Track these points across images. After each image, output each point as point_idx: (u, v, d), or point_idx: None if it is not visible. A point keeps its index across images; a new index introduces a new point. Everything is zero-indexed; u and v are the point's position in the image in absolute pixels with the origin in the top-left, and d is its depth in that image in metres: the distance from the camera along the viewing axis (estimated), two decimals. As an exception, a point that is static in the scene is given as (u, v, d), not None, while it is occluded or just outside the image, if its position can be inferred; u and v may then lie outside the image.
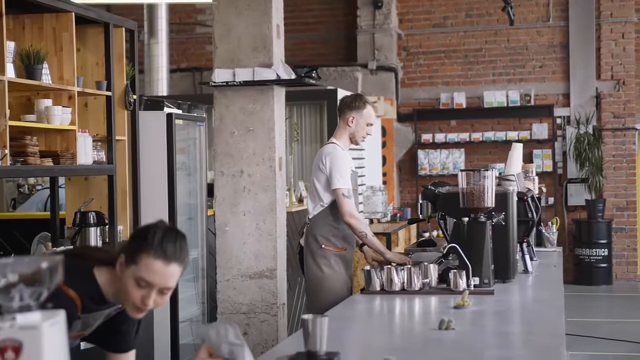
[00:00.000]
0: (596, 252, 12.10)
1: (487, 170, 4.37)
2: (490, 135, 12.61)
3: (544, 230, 6.33)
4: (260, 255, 5.57)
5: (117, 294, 2.62)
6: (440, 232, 11.89)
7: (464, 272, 4.17)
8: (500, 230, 4.46)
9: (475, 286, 4.20)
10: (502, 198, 4.49)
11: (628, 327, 9.37)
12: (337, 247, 5.16)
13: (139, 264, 2.51)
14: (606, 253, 12.12)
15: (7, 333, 1.70)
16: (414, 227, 11.02)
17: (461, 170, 4.42)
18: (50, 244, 5.38)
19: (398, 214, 11.00)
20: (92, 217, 5.34)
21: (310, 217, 5.22)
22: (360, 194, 9.72)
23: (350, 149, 9.15)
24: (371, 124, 5.28)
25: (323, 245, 5.13)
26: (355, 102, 5.24)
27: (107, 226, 5.49)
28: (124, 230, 5.75)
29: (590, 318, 9.92)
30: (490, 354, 2.92)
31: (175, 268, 2.53)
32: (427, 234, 12.11)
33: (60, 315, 1.79)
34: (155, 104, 6.29)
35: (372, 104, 5.32)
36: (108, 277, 2.63)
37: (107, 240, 5.52)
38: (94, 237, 5.34)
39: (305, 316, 2.71)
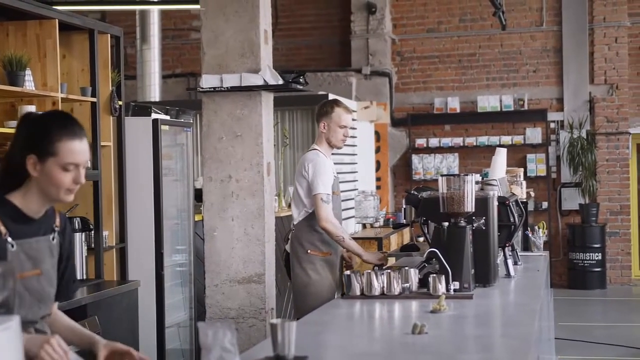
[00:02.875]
0: (590, 256, 12.10)
1: (467, 175, 4.38)
2: (484, 139, 12.63)
3: (530, 235, 6.34)
4: (248, 260, 5.58)
5: (40, 200, 2.70)
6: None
7: (444, 276, 4.18)
8: (480, 235, 4.47)
9: (455, 291, 4.21)
10: (482, 203, 4.49)
11: (621, 332, 9.37)
12: (322, 252, 5.23)
13: (58, 154, 2.64)
14: (600, 257, 12.13)
15: (-43, 338, 1.72)
16: (407, 231, 11.03)
17: (441, 175, 4.43)
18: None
19: (391, 219, 11.01)
20: (77, 223, 5.35)
21: (295, 222, 5.31)
22: (351, 199, 9.76)
23: (341, 154, 9.15)
24: (344, 126, 5.35)
25: (309, 251, 5.23)
26: (324, 107, 5.38)
27: (92, 232, 5.50)
28: (109, 236, 5.76)
29: (584, 322, 9.93)
30: (459, 357, 2.93)
31: (86, 142, 2.73)
32: (421, 239, 12.11)
33: (14, 321, 1.81)
34: (143, 109, 6.30)
35: (343, 107, 5.38)
36: (22, 195, 2.70)
37: (92, 246, 5.54)
38: (79, 242, 5.35)
39: (273, 321, 2.73)
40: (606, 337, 8.90)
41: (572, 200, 12.44)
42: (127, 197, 5.99)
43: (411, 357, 2.93)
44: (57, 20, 5.14)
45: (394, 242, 9.86)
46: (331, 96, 9.71)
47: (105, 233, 5.67)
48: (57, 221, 2.83)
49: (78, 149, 2.67)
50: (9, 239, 2.63)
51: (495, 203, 4.65)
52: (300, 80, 5.85)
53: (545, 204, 12.43)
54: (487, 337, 3.36)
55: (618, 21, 12.42)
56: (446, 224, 4.36)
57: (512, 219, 4.97)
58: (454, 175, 4.42)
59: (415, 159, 12.82)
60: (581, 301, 11.43)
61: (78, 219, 5.39)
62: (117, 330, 5.19)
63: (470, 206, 4.35)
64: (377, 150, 12.31)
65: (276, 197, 7.84)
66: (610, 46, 12.45)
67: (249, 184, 5.59)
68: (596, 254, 12.10)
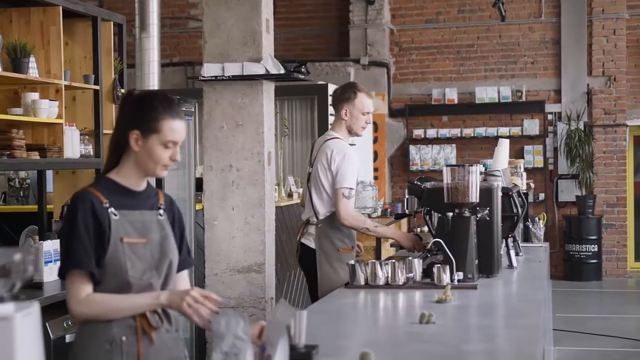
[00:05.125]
0: (586, 248, 12.14)
1: (472, 165, 4.38)
2: (481, 131, 12.64)
3: (530, 226, 6.35)
4: (248, 250, 5.58)
5: (136, 175, 2.84)
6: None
7: (448, 266, 4.18)
8: (484, 226, 4.47)
9: (459, 281, 4.21)
10: (486, 193, 4.49)
11: (617, 323, 9.41)
12: (349, 247, 5.07)
13: (161, 131, 2.79)
14: (596, 249, 12.17)
15: (-21, 324, 1.71)
16: (404, 222, 11.05)
17: (446, 166, 4.42)
18: (37, 237, 5.38)
19: (389, 209, 11.02)
20: (79, 211, 5.32)
21: (320, 217, 5.03)
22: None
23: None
24: (367, 112, 5.07)
25: (340, 249, 5.00)
26: (345, 93, 5.07)
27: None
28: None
29: (580, 314, 9.96)
30: (468, 347, 2.94)
31: (184, 122, 2.88)
32: (418, 229, 12.12)
33: (34, 308, 1.81)
34: (144, 98, 6.28)
35: (365, 92, 5.05)
36: (117, 171, 2.85)
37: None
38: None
39: (284, 309, 2.73)
40: (602, 328, 8.93)
41: (568, 192, 12.46)
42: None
43: (421, 346, 2.94)
44: (60, 7, 5.12)
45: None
46: (332, 87, 9.72)
47: (106, 221, 5.65)
48: (162, 200, 2.95)
49: (179, 128, 2.82)
50: (112, 209, 2.77)
51: (500, 194, 4.65)
52: (302, 69, 5.85)
53: (542, 196, 12.45)
54: (495, 327, 3.38)
55: (617, 13, 12.43)
56: (450, 214, 4.35)
57: (515, 210, 4.98)
58: (458, 165, 4.41)
59: (412, 149, 12.82)
60: (577, 292, 11.46)
61: (80, 206, 5.36)
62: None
63: (474, 197, 4.35)
64: (375, 140, 12.31)
65: (276, 187, 7.83)
66: (609, 38, 12.46)
67: (250, 173, 5.59)
68: (592, 245, 12.14)
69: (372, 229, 4.94)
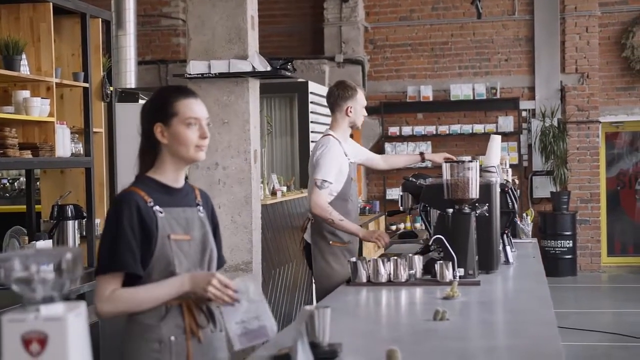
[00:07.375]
0: (561, 243, 12.24)
1: (472, 161, 4.38)
2: (456, 128, 12.68)
3: (518, 222, 6.38)
4: (235, 249, 5.56)
5: (174, 167, 2.81)
6: (410, 224, 11.83)
7: (450, 263, 4.18)
8: (483, 221, 4.48)
9: (460, 277, 4.22)
10: (485, 189, 4.50)
11: (593, 317, 9.50)
12: (343, 242, 5.11)
13: (178, 112, 2.79)
14: (571, 244, 12.27)
15: (32, 325, 1.68)
16: (382, 219, 11.08)
17: (446, 162, 4.43)
18: (26, 237, 5.30)
19: (367, 207, 11.05)
20: (69, 210, 5.27)
21: (313, 212, 5.09)
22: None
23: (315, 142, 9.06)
24: (365, 104, 5.34)
25: (331, 242, 5.09)
26: (347, 91, 5.22)
27: (84, 219, 5.42)
28: (101, 224, 5.67)
29: (557, 309, 9.99)
30: (489, 344, 2.94)
31: (200, 101, 2.88)
32: (394, 227, 12.15)
33: (82, 307, 1.77)
34: (129, 96, 6.24)
35: (359, 86, 5.34)
36: (155, 169, 2.83)
37: (84, 233, 5.46)
38: (72, 230, 5.27)
39: (309, 307, 2.71)
40: (578, 323, 9.00)
41: (543, 188, 12.56)
42: (117, 184, 5.92)
43: (442, 343, 2.93)
44: (51, 3, 5.03)
45: (372, 229, 9.88)
46: (312, 84, 9.70)
47: (97, 220, 5.59)
48: (198, 196, 2.93)
49: (195, 105, 2.82)
50: (156, 207, 2.76)
51: (498, 189, 4.66)
52: (288, 67, 5.83)
53: (517, 192, 12.51)
54: (509, 323, 3.38)
55: (589, 10, 12.54)
56: (451, 210, 4.35)
57: (511, 205, 5.00)
58: (458, 161, 4.41)
59: (388, 147, 12.84)
60: (552, 288, 11.40)
61: (70, 206, 5.30)
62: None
63: (474, 193, 4.35)
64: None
65: (260, 185, 7.80)
66: (581, 35, 12.57)
67: (236, 171, 5.57)
68: (567, 241, 12.24)
69: (337, 221, 5.00)
